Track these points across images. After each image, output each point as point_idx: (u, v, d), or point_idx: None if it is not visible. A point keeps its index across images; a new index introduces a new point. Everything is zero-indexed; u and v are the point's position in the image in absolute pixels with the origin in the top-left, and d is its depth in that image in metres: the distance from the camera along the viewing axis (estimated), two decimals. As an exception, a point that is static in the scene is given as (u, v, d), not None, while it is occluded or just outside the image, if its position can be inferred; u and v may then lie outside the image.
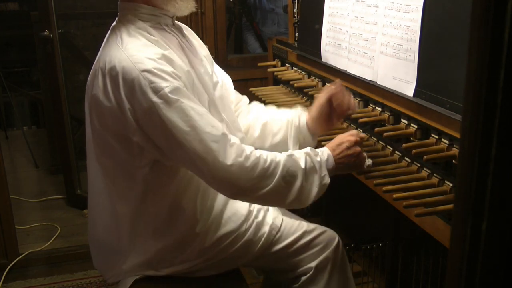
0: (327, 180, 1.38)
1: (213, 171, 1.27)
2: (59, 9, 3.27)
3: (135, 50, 1.29)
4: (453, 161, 1.28)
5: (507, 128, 0.52)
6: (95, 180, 1.46)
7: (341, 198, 2.50)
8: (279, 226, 1.57)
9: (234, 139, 1.30)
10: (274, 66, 2.41)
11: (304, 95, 2.07)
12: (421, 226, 1.36)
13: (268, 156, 1.31)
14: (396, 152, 1.51)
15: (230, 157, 1.26)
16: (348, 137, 1.43)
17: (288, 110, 1.68)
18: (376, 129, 1.54)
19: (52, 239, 3.08)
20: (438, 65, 1.37)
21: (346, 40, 1.80)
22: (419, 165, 1.40)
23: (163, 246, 1.43)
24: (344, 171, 1.43)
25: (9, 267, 2.78)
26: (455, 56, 1.31)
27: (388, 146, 1.54)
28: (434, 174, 1.34)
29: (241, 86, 2.77)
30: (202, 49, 1.58)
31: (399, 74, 1.51)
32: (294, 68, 2.25)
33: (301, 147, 1.57)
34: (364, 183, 1.56)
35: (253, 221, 1.53)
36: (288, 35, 2.44)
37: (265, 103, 2.10)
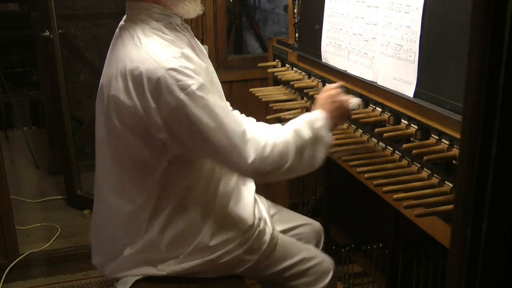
0: (330, 140, 1.47)
1: (237, 164, 1.33)
2: (59, 10, 3.27)
3: (157, 50, 1.30)
4: (453, 161, 1.28)
5: (507, 128, 0.52)
6: (106, 179, 1.47)
7: (342, 199, 2.50)
8: (277, 236, 1.62)
9: (250, 133, 1.34)
10: (274, 66, 2.42)
11: (304, 96, 2.07)
12: (421, 227, 1.36)
13: (278, 139, 1.37)
14: (396, 152, 1.51)
15: (250, 152, 1.32)
16: (328, 94, 1.53)
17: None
18: (376, 130, 1.54)
19: (52, 239, 3.08)
20: (438, 65, 1.37)
21: (346, 41, 1.80)
22: (419, 165, 1.40)
23: (169, 237, 1.44)
24: (339, 122, 1.56)
25: (9, 267, 2.78)
26: (455, 57, 1.31)
27: (388, 147, 1.54)
28: (434, 175, 1.34)
29: (241, 86, 2.78)
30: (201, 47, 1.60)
31: (399, 74, 1.51)
32: (294, 68, 2.25)
33: None
34: (365, 183, 1.56)
35: (255, 229, 1.56)
36: (288, 35, 2.44)
37: (265, 104, 2.10)
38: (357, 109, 1.56)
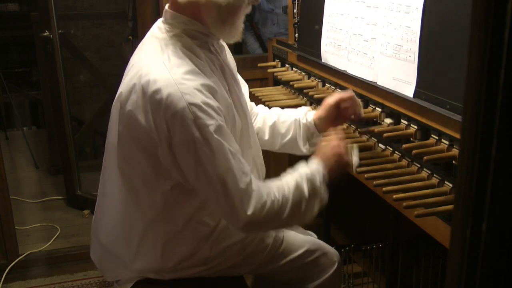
0: (326, 198, 1.42)
1: (234, 214, 1.28)
2: (59, 10, 3.27)
3: (184, 77, 1.24)
4: (453, 161, 1.28)
5: (507, 128, 0.52)
6: (112, 184, 1.44)
7: (342, 199, 2.50)
8: (282, 238, 1.60)
9: (254, 185, 1.29)
10: (274, 66, 2.42)
11: (304, 96, 2.07)
12: (421, 227, 1.36)
13: (279, 193, 1.33)
14: (396, 152, 1.51)
15: (250, 206, 1.27)
16: (330, 146, 1.46)
17: (293, 110, 1.71)
18: (376, 130, 1.54)
19: (52, 239, 3.08)
20: (438, 65, 1.37)
21: (346, 41, 1.80)
22: (419, 165, 1.40)
23: (170, 256, 1.43)
24: (335, 175, 1.46)
25: (9, 267, 2.78)
26: (455, 57, 1.31)
27: (388, 147, 1.54)
28: (434, 175, 1.34)
29: (241, 86, 2.78)
30: (232, 62, 1.55)
31: (399, 74, 1.51)
32: (294, 68, 2.25)
33: (310, 143, 1.65)
34: (365, 184, 1.57)
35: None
36: (288, 35, 2.44)
37: (265, 104, 2.10)
38: (356, 167, 1.50)
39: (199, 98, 1.22)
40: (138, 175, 1.35)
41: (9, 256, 2.81)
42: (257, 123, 1.70)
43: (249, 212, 1.27)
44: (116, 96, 1.38)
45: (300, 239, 1.65)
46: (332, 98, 1.58)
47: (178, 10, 1.34)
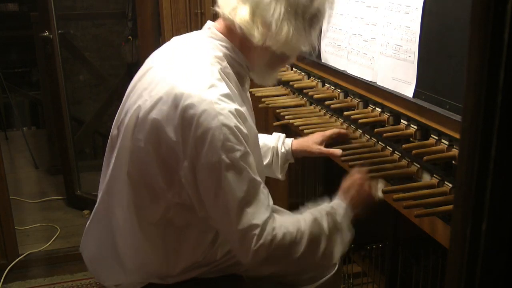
0: (349, 236, 1.38)
1: (247, 246, 1.24)
2: (59, 10, 3.27)
3: (220, 98, 1.19)
4: (453, 161, 1.28)
5: (507, 129, 0.52)
6: (116, 188, 1.38)
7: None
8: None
9: (271, 222, 1.25)
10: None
11: (304, 96, 2.07)
12: (421, 227, 1.36)
13: (293, 227, 1.29)
14: (396, 152, 1.51)
15: (265, 238, 1.23)
16: (355, 180, 1.45)
17: (268, 136, 1.73)
18: (376, 130, 1.54)
19: (52, 239, 3.08)
20: (438, 65, 1.37)
21: (346, 41, 1.80)
22: (419, 165, 1.40)
23: (173, 265, 1.41)
24: (360, 211, 1.45)
25: (8, 267, 2.78)
26: (455, 57, 1.31)
27: (387, 147, 1.54)
28: (434, 175, 1.34)
29: (241, 86, 2.78)
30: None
31: (398, 74, 1.51)
32: (293, 68, 2.25)
33: (284, 168, 1.71)
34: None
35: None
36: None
37: (265, 104, 2.10)
38: (380, 199, 1.46)
39: (232, 121, 1.18)
40: (146, 184, 1.30)
41: (9, 256, 2.81)
42: None
43: (260, 241, 1.22)
44: (130, 95, 1.32)
45: None
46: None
47: (226, 33, 1.31)
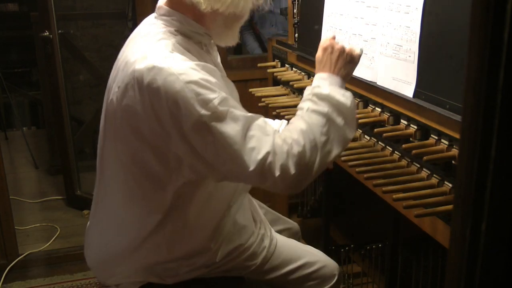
0: (349, 96, 1.30)
1: (271, 183, 1.21)
2: (59, 10, 3.27)
3: (176, 61, 1.20)
4: (453, 161, 1.28)
5: (507, 128, 0.52)
6: (113, 187, 1.40)
7: (341, 199, 2.50)
8: (276, 237, 1.60)
9: (278, 142, 1.22)
10: (274, 66, 2.42)
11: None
12: (420, 227, 1.36)
13: (296, 135, 1.23)
14: (395, 152, 1.51)
15: (277, 167, 1.19)
16: (323, 46, 1.38)
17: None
18: (375, 130, 1.54)
19: (52, 239, 3.08)
20: (438, 65, 1.37)
21: (346, 41, 1.80)
22: (418, 165, 1.40)
23: (173, 257, 1.41)
24: (350, 71, 1.38)
25: (8, 267, 2.78)
26: (455, 57, 1.31)
27: (387, 147, 1.54)
28: (434, 175, 1.34)
29: (241, 86, 2.77)
30: (221, 65, 1.53)
31: (398, 74, 1.51)
32: (294, 68, 2.25)
33: None
34: (364, 184, 1.56)
35: (258, 234, 1.54)
36: (288, 36, 2.44)
37: (265, 104, 2.11)
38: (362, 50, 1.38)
39: (195, 75, 1.18)
40: (148, 175, 1.30)
41: (9, 256, 2.81)
42: None
43: (277, 173, 1.18)
44: (107, 93, 1.34)
45: (300, 250, 1.65)
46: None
47: (175, 7, 1.32)
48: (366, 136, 1.66)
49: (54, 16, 3.17)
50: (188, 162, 1.24)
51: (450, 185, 1.29)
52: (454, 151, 1.27)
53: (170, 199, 1.32)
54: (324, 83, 1.32)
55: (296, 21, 2.27)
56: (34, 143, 4.49)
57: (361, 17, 1.71)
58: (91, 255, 1.53)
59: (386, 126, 1.54)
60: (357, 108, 1.69)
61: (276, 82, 2.38)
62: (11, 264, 2.79)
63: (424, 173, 1.37)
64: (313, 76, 2.04)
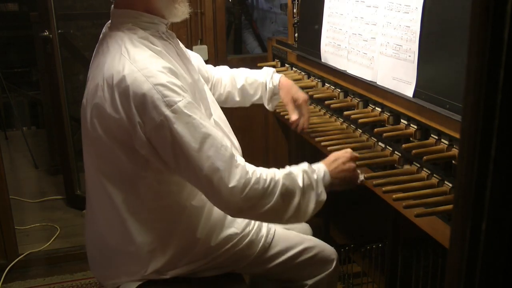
0: (324, 196, 1.40)
1: (217, 190, 1.27)
2: (58, 10, 3.26)
3: (145, 63, 1.26)
4: (453, 161, 1.28)
5: (507, 128, 0.52)
6: (94, 185, 1.44)
7: (341, 199, 2.49)
8: (273, 227, 1.63)
9: (239, 160, 1.30)
10: (274, 66, 2.41)
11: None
12: (420, 227, 1.36)
13: (268, 175, 1.32)
14: (395, 152, 1.51)
15: (234, 179, 1.26)
16: (343, 153, 1.48)
17: (258, 71, 1.83)
18: (375, 130, 1.54)
19: (52, 239, 3.08)
20: (438, 65, 1.37)
21: (346, 41, 1.80)
22: (418, 165, 1.40)
23: (169, 252, 1.43)
24: (340, 186, 1.47)
25: (8, 267, 2.78)
26: (455, 57, 1.31)
27: (387, 147, 1.54)
28: (434, 175, 1.34)
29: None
30: (184, 47, 1.58)
31: (398, 74, 1.51)
32: (293, 68, 2.25)
33: (272, 100, 1.81)
34: (364, 184, 1.56)
35: (255, 222, 1.57)
36: (288, 34, 2.44)
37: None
38: (362, 182, 1.49)
39: (163, 78, 1.25)
40: (121, 173, 1.35)
41: (9, 256, 2.81)
42: (226, 87, 1.81)
43: (231, 184, 1.26)
44: (84, 98, 1.39)
45: (298, 237, 1.67)
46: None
47: (126, 6, 1.37)
48: (366, 135, 1.66)
49: (54, 16, 3.17)
50: (152, 160, 1.30)
51: (450, 185, 1.29)
52: (454, 151, 1.27)
53: (148, 197, 1.37)
54: (320, 173, 1.41)
55: (296, 21, 2.27)
56: (34, 143, 4.49)
57: (361, 17, 1.71)
58: (89, 255, 1.56)
59: (386, 126, 1.54)
60: (357, 108, 1.70)
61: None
62: (11, 264, 2.79)
63: (424, 173, 1.37)
64: (313, 75, 2.05)
